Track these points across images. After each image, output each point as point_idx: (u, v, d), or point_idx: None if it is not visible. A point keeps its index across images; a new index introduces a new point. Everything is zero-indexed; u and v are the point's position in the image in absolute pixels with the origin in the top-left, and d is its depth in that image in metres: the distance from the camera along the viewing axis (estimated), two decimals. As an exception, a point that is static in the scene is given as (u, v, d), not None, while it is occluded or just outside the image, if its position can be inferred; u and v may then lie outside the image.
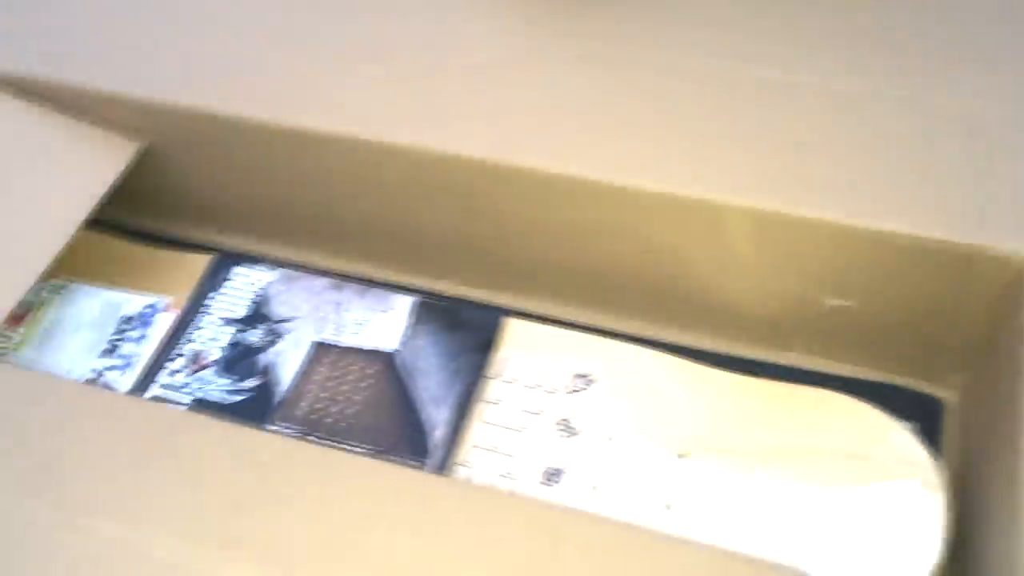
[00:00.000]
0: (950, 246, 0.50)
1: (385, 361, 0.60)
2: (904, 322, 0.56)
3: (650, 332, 0.61)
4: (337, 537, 0.40)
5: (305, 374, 0.59)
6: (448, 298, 0.63)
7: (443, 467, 0.55)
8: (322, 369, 0.59)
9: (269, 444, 0.44)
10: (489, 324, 0.61)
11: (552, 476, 0.55)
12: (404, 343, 0.60)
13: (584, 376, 0.58)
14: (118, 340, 0.61)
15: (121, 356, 0.60)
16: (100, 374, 0.59)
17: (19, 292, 0.53)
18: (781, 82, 0.56)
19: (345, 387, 0.59)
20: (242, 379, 0.59)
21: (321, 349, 0.60)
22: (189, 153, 0.63)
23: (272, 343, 0.60)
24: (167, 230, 0.68)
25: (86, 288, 0.64)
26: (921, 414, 0.58)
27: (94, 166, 0.60)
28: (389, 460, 0.53)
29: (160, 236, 0.68)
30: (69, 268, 0.64)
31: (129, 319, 0.62)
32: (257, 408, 0.58)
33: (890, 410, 0.56)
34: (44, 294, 0.63)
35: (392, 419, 0.57)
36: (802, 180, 0.52)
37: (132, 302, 0.63)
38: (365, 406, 0.58)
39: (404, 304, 0.62)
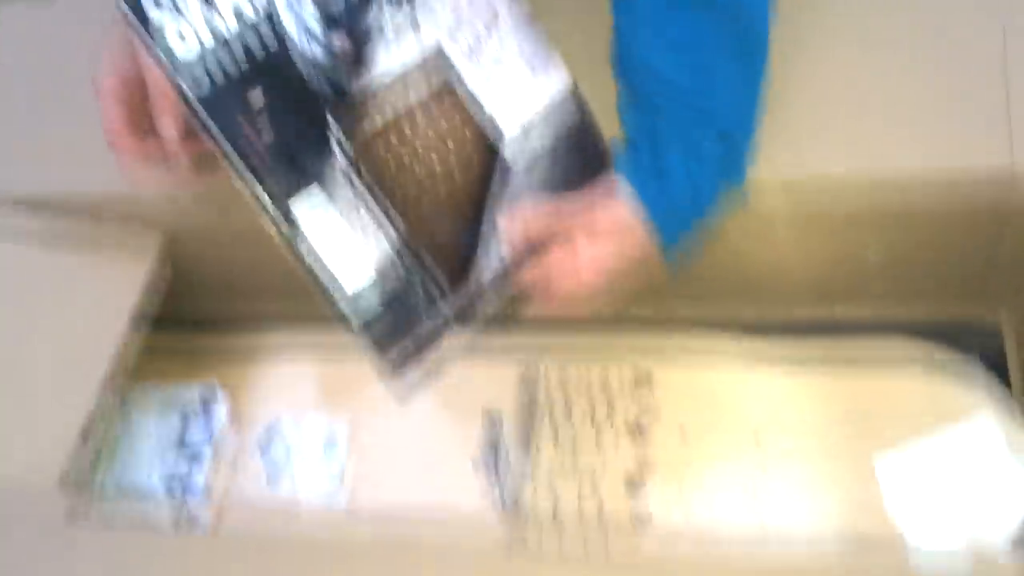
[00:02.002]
0: (986, 173, 0.50)
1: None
2: (950, 257, 0.55)
3: (701, 314, 0.61)
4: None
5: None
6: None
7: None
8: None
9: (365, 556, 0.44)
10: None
11: (636, 486, 0.55)
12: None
13: (644, 373, 0.58)
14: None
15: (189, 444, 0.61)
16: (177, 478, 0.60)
17: (84, 407, 0.54)
18: (790, 38, 0.55)
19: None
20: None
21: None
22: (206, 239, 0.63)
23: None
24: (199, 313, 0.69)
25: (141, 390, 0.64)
26: (983, 343, 0.57)
27: (120, 273, 0.60)
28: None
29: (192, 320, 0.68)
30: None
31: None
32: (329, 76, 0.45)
33: (952, 344, 0.56)
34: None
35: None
36: (826, 138, 0.51)
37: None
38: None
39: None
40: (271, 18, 0.45)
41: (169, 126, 0.48)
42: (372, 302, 0.48)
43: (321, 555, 0.46)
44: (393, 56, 0.48)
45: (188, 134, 0.48)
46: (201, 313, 0.69)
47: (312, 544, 0.46)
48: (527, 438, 0.58)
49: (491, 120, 0.50)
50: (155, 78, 0.47)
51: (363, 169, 0.47)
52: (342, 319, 0.47)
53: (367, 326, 0.48)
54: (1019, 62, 0.51)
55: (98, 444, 0.60)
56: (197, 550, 0.47)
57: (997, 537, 0.49)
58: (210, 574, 0.45)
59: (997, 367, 0.57)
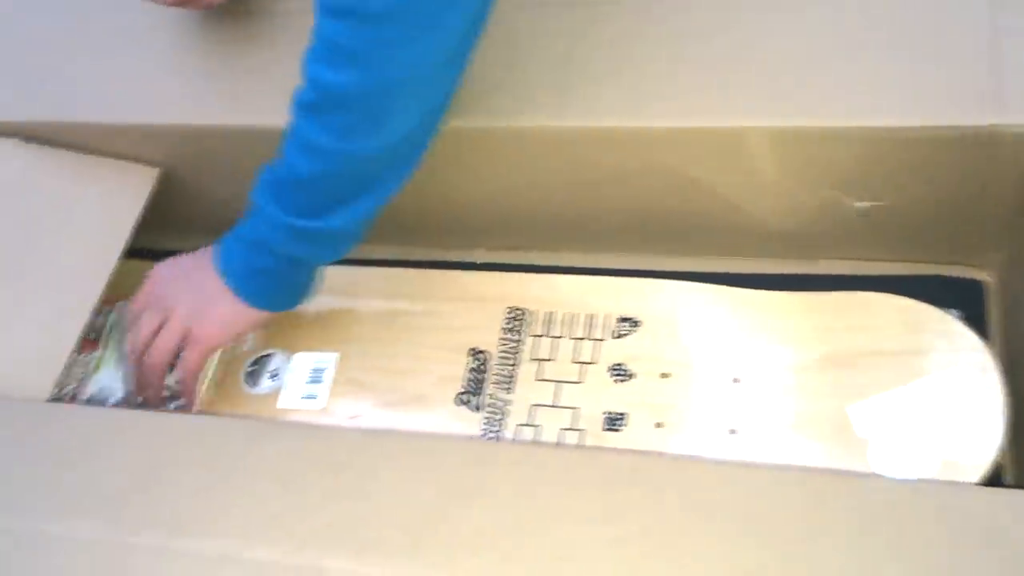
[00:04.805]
0: (972, 130, 0.50)
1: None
2: (935, 212, 0.56)
3: (687, 265, 0.62)
4: (420, 519, 0.41)
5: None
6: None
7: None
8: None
9: (341, 441, 0.46)
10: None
11: (615, 421, 0.56)
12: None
13: (629, 319, 0.59)
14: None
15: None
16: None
17: (80, 323, 0.56)
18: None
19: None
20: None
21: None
22: (203, 172, 0.64)
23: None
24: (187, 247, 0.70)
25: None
26: (963, 299, 0.58)
27: (122, 198, 0.61)
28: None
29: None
30: (118, 294, 0.65)
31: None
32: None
33: (933, 300, 0.57)
34: (111, 318, 0.65)
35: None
36: (814, 89, 0.52)
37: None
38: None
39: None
40: None
41: None
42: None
43: (304, 434, 0.47)
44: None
45: None
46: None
47: (295, 428, 0.48)
48: (511, 376, 0.59)
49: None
50: None
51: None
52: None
53: None
54: (1007, 15, 0.52)
55: (86, 364, 0.62)
56: (182, 425, 0.49)
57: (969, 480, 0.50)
58: (201, 446, 0.46)
59: (978, 324, 0.57)
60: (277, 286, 0.55)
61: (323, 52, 0.46)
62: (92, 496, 0.44)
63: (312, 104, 0.47)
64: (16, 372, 0.53)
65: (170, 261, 0.58)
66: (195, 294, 0.55)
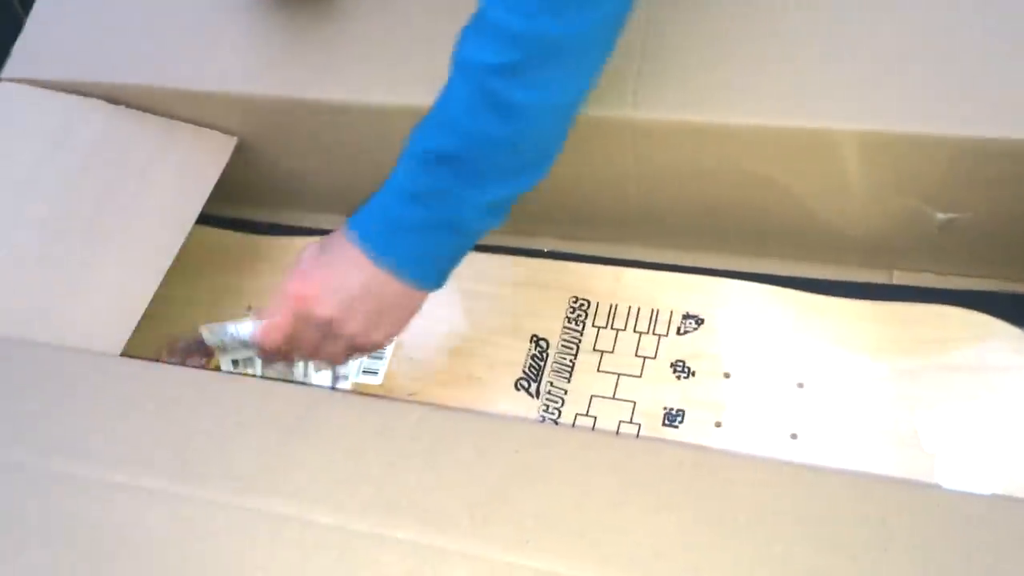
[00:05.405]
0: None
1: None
2: (1016, 227, 0.55)
3: (759, 267, 0.61)
4: (485, 496, 0.41)
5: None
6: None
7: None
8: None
9: (406, 413, 0.46)
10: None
11: (673, 417, 0.56)
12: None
13: (694, 316, 0.59)
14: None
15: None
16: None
17: (153, 284, 0.56)
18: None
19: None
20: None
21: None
22: (277, 142, 0.65)
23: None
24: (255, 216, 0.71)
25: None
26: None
27: (196, 165, 0.62)
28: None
29: (254, 222, 0.70)
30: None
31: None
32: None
33: (1007, 317, 0.55)
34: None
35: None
36: (907, 95, 0.51)
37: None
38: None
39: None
40: None
41: None
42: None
43: (367, 406, 0.47)
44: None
45: None
46: (264, 217, 0.71)
47: (359, 398, 0.48)
48: (571, 365, 0.59)
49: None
50: None
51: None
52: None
53: None
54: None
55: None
56: (247, 388, 0.49)
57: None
58: (266, 409, 0.47)
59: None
60: (451, 260, 0.50)
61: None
62: (159, 449, 0.45)
63: (511, 64, 0.44)
64: (90, 329, 0.54)
65: (310, 277, 0.49)
66: (365, 309, 0.49)
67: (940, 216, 0.54)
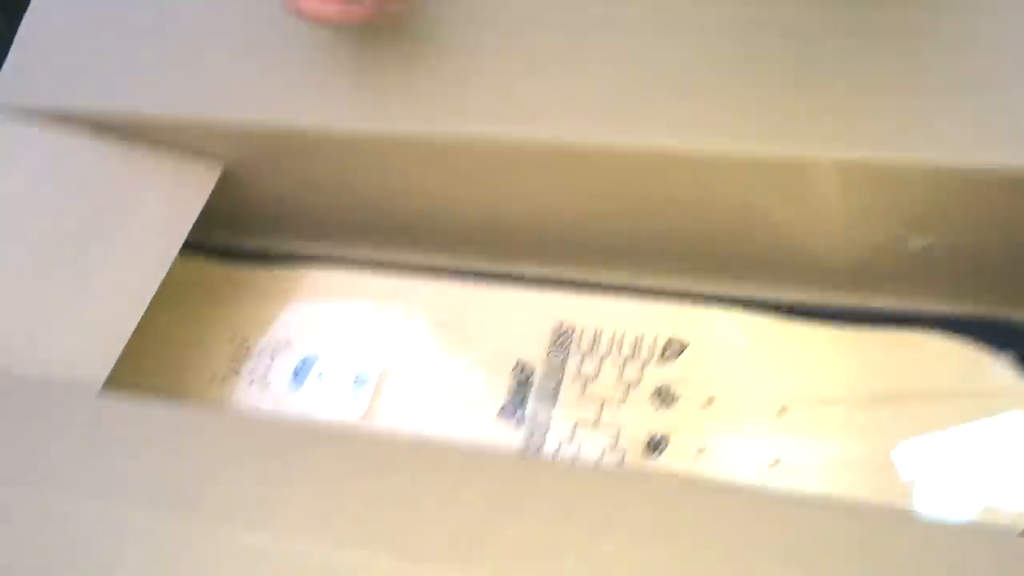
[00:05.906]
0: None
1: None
2: (994, 253, 0.55)
3: (742, 291, 0.61)
4: (467, 529, 0.41)
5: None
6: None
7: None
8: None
9: (385, 447, 0.46)
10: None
11: (657, 443, 0.56)
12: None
13: (676, 342, 0.59)
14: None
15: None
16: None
17: (136, 315, 0.56)
18: (850, 22, 0.55)
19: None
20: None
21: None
22: (263, 169, 0.65)
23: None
24: (243, 244, 0.71)
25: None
26: (1019, 343, 0.57)
27: (181, 193, 0.62)
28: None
29: (240, 249, 0.70)
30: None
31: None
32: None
33: (986, 343, 0.56)
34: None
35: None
36: (884, 122, 0.51)
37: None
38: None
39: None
40: None
41: None
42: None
43: (348, 437, 0.47)
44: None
45: None
46: (250, 246, 0.71)
47: (339, 430, 0.48)
48: (555, 391, 0.59)
49: None
50: None
51: None
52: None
53: None
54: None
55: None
56: (225, 421, 0.49)
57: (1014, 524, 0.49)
58: (243, 443, 0.47)
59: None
60: None
61: None
62: (137, 484, 0.45)
63: None
64: (73, 359, 0.54)
65: None
66: None
67: (919, 242, 0.55)
